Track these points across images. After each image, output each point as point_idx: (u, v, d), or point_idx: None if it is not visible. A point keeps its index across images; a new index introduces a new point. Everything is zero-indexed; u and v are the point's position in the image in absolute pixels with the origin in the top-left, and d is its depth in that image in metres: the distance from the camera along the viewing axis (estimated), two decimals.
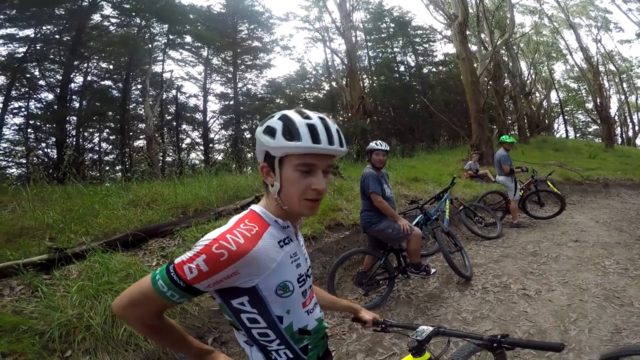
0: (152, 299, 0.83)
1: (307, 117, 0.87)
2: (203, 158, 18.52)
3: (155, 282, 0.82)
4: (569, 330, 2.71)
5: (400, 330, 1.34)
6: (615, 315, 2.88)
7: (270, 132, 0.86)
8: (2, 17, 11.62)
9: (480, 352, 1.55)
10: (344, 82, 15.72)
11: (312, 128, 0.85)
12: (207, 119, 20.29)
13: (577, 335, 2.65)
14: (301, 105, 21.80)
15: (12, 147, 12.76)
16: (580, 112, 31.51)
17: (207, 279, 0.81)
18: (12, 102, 12.80)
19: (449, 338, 1.26)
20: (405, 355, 1.24)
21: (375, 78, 24.24)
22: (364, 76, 22.83)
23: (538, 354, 2.41)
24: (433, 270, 3.61)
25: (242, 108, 21.11)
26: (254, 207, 0.95)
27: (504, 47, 17.20)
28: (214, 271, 0.80)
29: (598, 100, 19.45)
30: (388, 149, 3.52)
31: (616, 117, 24.83)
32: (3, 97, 12.29)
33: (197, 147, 20.49)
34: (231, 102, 20.84)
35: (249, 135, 20.64)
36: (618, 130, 27.45)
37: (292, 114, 0.88)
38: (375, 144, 3.52)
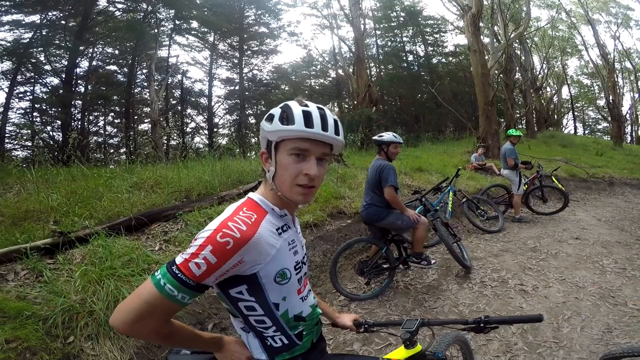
0: (161, 306, 0.79)
1: (305, 106, 0.91)
2: (207, 142, 18.60)
3: (161, 288, 0.78)
4: (562, 328, 2.73)
5: (384, 328, 1.39)
6: (608, 315, 2.89)
7: (270, 118, 0.91)
8: (8, 3, 11.56)
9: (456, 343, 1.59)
10: (351, 70, 15.48)
11: (306, 114, 0.88)
12: (212, 103, 20.35)
13: (569, 332, 2.67)
14: (306, 92, 21.77)
15: (17, 130, 12.86)
16: (591, 108, 30.97)
17: (216, 271, 0.80)
18: (17, 87, 12.86)
19: (433, 330, 1.35)
20: (398, 347, 1.27)
21: (382, 67, 23.95)
22: (372, 64, 22.57)
23: (530, 351, 2.45)
24: (433, 262, 3.63)
25: (247, 93, 21.06)
26: (251, 195, 0.96)
27: (517, 41, 16.82)
28: (222, 261, 0.79)
29: (610, 98, 19.10)
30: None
31: (627, 116, 24.37)
32: (9, 82, 12.33)
33: (201, 131, 20.60)
34: (236, 88, 20.78)
35: (253, 121, 20.63)
36: (628, 129, 27.02)
37: (291, 102, 0.92)
38: (394, 136, 3.46)
